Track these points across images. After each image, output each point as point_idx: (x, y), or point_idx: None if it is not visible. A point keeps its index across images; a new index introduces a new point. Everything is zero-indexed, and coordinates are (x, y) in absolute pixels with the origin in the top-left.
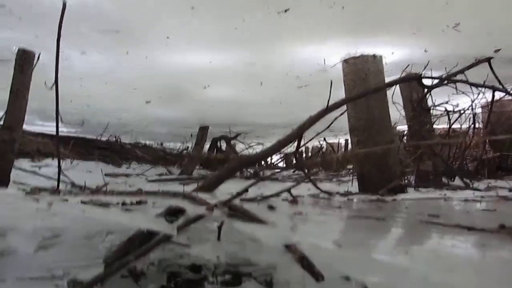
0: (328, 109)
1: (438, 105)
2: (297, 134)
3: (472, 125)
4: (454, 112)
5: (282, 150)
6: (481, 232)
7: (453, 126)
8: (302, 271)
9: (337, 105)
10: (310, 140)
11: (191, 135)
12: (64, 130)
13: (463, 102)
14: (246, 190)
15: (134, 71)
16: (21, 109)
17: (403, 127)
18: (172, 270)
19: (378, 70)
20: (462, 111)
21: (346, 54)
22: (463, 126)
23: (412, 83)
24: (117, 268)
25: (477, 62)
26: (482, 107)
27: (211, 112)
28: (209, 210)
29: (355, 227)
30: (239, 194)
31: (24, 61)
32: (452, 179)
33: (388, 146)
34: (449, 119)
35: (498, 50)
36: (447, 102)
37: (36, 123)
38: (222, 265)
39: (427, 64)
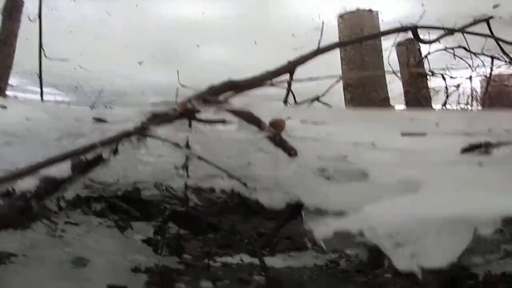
0: (320, 50)
1: (434, 74)
2: (289, 67)
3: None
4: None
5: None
6: None
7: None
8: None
9: (329, 47)
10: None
11: None
12: (58, 99)
13: (461, 76)
14: None
15: (126, 24)
16: (9, 56)
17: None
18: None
19: (373, 25)
20: (459, 85)
21: (342, 8)
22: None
23: (409, 48)
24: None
25: (476, 21)
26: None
27: (205, 76)
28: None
29: None
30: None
31: (12, 7)
32: None
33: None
34: (447, 90)
35: (497, 5)
36: (444, 70)
37: (28, 89)
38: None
39: (423, 14)
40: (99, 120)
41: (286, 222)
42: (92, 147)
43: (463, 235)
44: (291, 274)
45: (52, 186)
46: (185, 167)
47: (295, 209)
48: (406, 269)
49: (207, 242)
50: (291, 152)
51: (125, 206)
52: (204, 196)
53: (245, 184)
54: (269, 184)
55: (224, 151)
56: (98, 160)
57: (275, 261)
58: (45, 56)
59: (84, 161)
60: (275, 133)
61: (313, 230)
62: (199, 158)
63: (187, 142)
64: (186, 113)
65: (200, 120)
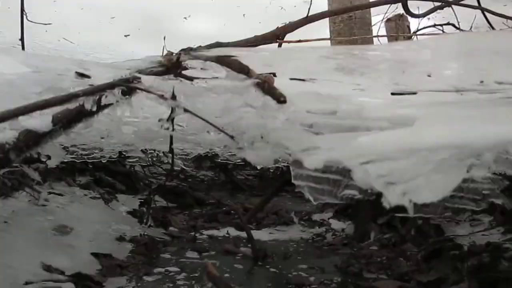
0: (309, 18)
1: None
2: (278, 33)
3: None
4: None
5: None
6: None
7: None
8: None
9: (318, 16)
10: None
11: None
12: None
13: None
14: None
15: None
16: None
17: None
18: None
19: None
20: None
21: None
22: None
23: (398, 24)
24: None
25: None
26: None
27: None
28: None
29: None
30: None
31: None
32: None
33: None
34: None
35: None
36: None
37: None
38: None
39: None
40: (82, 75)
41: (273, 196)
42: (74, 96)
43: (455, 173)
44: (277, 246)
45: (32, 139)
46: (171, 119)
47: (283, 184)
48: (398, 204)
49: (193, 216)
50: (280, 99)
51: (110, 180)
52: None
53: (232, 137)
54: (257, 139)
55: (211, 109)
56: (81, 115)
57: (262, 234)
58: (27, 19)
59: (66, 113)
60: (264, 80)
61: (303, 161)
62: (185, 110)
63: (173, 92)
64: (173, 66)
65: (187, 77)
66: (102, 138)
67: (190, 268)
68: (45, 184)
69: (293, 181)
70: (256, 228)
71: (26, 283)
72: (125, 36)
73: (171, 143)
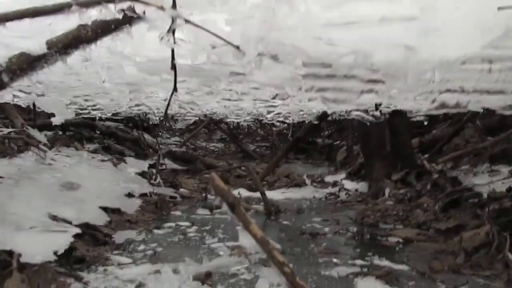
0: None
1: None
2: None
3: None
4: None
5: None
6: None
7: None
8: None
9: None
10: None
11: None
12: None
13: None
14: None
15: None
16: None
17: None
18: None
19: None
20: None
21: None
22: None
23: None
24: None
25: None
26: None
27: None
28: None
29: None
30: None
31: None
32: None
33: None
34: None
35: None
36: None
37: None
38: None
39: None
40: None
41: (287, 153)
42: (66, 5)
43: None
44: (290, 203)
45: (26, 62)
46: (172, 31)
47: (296, 141)
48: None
49: (204, 181)
50: None
51: (119, 147)
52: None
53: (237, 47)
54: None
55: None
56: (78, 41)
57: (274, 194)
58: None
59: (62, 38)
60: None
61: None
62: (187, 21)
63: (173, 1)
64: None
65: None
66: (104, 81)
67: (201, 223)
68: (53, 149)
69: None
70: (268, 189)
71: (31, 228)
72: None
73: (172, 57)
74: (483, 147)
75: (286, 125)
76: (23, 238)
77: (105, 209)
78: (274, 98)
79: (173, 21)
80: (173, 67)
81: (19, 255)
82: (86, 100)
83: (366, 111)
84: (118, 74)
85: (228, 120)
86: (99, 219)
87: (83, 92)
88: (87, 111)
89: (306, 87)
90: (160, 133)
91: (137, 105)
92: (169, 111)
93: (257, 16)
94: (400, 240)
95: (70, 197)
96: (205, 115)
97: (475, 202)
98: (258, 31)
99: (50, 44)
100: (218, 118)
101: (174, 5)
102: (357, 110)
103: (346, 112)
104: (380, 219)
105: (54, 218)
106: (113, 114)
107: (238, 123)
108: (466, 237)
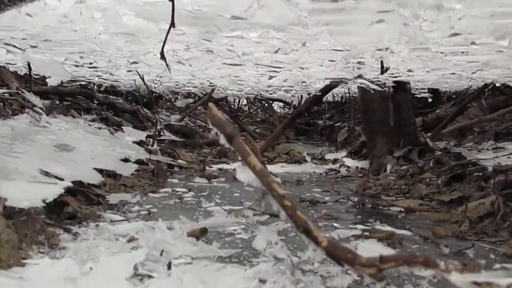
0: None
1: None
2: None
3: None
4: None
5: None
6: None
7: None
8: None
9: None
10: None
11: None
12: None
13: None
14: None
15: None
16: None
17: None
18: None
19: None
20: None
21: None
22: None
23: None
24: None
25: None
26: None
27: None
28: None
29: None
30: None
31: None
32: None
33: None
34: None
35: None
36: None
37: None
38: None
39: None
40: None
41: (288, 127)
42: None
43: None
44: (290, 177)
45: None
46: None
47: (296, 115)
48: None
49: (202, 154)
50: None
51: (117, 120)
52: None
53: None
54: None
55: None
56: None
57: (273, 168)
58: None
59: None
60: None
61: None
62: None
63: None
64: None
65: None
66: (99, 34)
67: (198, 190)
68: (49, 115)
69: None
70: (268, 164)
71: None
72: None
73: None
74: (488, 119)
75: (287, 109)
76: (10, 185)
77: (100, 171)
78: (276, 52)
79: None
80: None
81: (5, 199)
82: (81, 58)
83: (371, 81)
84: (113, 20)
85: (229, 92)
86: (93, 179)
87: (78, 48)
88: (82, 70)
89: (312, 22)
90: (159, 110)
91: (134, 62)
92: (168, 83)
93: None
94: (402, 210)
95: (64, 157)
96: (204, 92)
97: (480, 175)
98: None
99: None
100: (218, 95)
101: None
102: (361, 77)
103: (352, 78)
104: (381, 192)
105: (46, 173)
106: (112, 86)
107: (239, 103)
108: (470, 207)
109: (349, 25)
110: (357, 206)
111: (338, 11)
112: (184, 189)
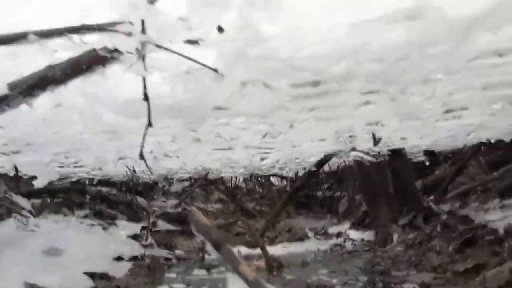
0: None
1: None
2: None
3: None
4: None
5: None
6: None
7: None
8: None
9: None
10: None
11: None
12: None
13: None
14: None
15: None
16: None
17: None
18: None
19: None
20: None
21: None
22: None
23: None
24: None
25: None
26: None
27: None
28: None
29: None
30: None
31: None
32: None
33: None
34: None
35: None
36: None
37: None
38: None
39: None
40: None
41: (286, 204)
42: (22, 36)
43: None
44: (293, 258)
45: None
46: (141, 57)
47: (294, 191)
48: None
49: (201, 240)
50: None
51: (111, 212)
52: None
53: (215, 70)
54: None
55: None
56: (45, 82)
57: (275, 250)
58: None
59: (27, 78)
60: None
61: None
62: (157, 46)
63: (142, 25)
64: None
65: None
66: (78, 135)
67: (197, 284)
68: (40, 215)
69: None
70: (268, 245)
71: None
72: None
73: (144, 87)
74: (491, 179)
75: (285, 182)
76: None
77: (91, 274)
78: (264, 136)
79: (142, 46)
80: (146, 97)
81: None
82: (66, 158)
83: (366, 152)
84: (92, 119)
85: (223, 175)
86: (83, 285)
87: (62, 148)
88: (69, 169)
89: (296, 109)
90: (155, 197)
91: (120, 158)
92: (160, 171)
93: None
94: (416, 286)
95: (52, 263)
96: (198, 177)
97: (492, 239)
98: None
99: (13, 85)
100: (213, 176)
101: (143, 30)
102: (355, 150)
103: (345, 153)
104: (391, 266)
105: (32, 287)
106: (105, 179)
107: (236, 181)
108: (489, 276)
109: (335, 109)
110: (368, 287)
111: (321, 95)
112: (182, 285)
